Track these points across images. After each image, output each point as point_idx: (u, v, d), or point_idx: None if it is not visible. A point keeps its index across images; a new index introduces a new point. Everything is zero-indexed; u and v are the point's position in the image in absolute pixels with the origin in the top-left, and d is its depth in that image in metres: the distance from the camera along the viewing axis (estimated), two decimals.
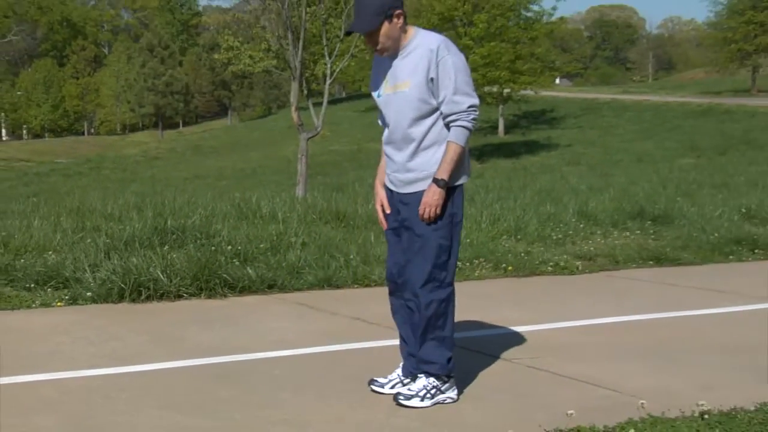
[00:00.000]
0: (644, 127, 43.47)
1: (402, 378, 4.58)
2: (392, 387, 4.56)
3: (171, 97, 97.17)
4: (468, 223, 9.83)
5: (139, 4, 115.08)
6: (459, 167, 4.36)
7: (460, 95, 4.27)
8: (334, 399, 4.48)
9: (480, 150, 40.66)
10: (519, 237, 9.63)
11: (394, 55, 4.40)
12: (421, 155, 4.35)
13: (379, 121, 4.62)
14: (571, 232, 9.98)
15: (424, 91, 4.29)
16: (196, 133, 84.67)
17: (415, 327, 4.53)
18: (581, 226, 10.35)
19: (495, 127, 48.86)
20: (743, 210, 11.57)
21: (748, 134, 36.13)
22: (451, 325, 4.46)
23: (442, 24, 37.07)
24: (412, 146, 4.36)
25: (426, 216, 4.30)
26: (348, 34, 4.58)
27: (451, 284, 4.44)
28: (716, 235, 9.93)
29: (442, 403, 4.36)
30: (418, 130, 4.34)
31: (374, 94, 4.57)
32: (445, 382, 4.41)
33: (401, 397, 4.34)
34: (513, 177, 22.68)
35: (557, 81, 68.27)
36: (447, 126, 4.32)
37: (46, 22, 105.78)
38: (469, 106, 4.29)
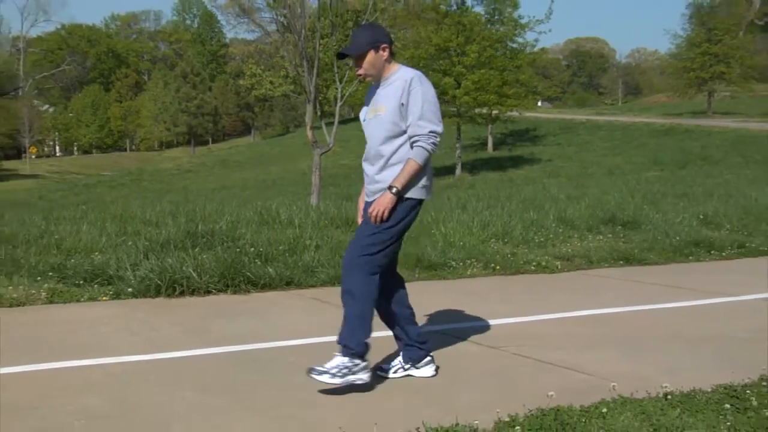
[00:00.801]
0: (615, 144, 43.40)
1: (403, 365, 4.58)
2: (395, 372, 4.57)
3: (202, 117, 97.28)
4: (460, 228, 9.82)
5: (175, 37, 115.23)
6: (415, 182, 4.37)
7: (424, 121, 4.31)
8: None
9: (471, 164, 40.62)
10: (506, 240, 9.62)
11: (377, 84, 4.49)
12: (388, 170, 4.38)
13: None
14: (551, 235, 9.96)
15: (396, 114, 4.33)
16: (224, 149, 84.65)
17: (402, 322, 4.59)
18: (560, 230, 10.33)
19: (485, 144, 48.82)
20: (701, 216, 11.55)
21: (705, 151, 36.06)
22: (369, 310, 4.35)
23: (438, 53, 37.02)
24: (382, 161, 4.39)
25: (374, 215, 4.30)
26: (341, 56, 4.55)
27: (375, 275, 4.32)
28: (678, 238, 9.92)
29: (353, 383, 4.26)
30: (387, 148, 4.37)
31: (361, 120, 4.62)
32: (357, 364, 4.29)
33: (314, 372, 4.25)
34: (500, 188, 22.65)
35: (539, 104, 68.22)
36: (412, 146, 4.35)
37: (94, 53, 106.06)
38: (430, 131, 4.32)
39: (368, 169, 4.50)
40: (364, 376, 4.31)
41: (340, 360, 4.28)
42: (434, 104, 4.37)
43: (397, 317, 4.60)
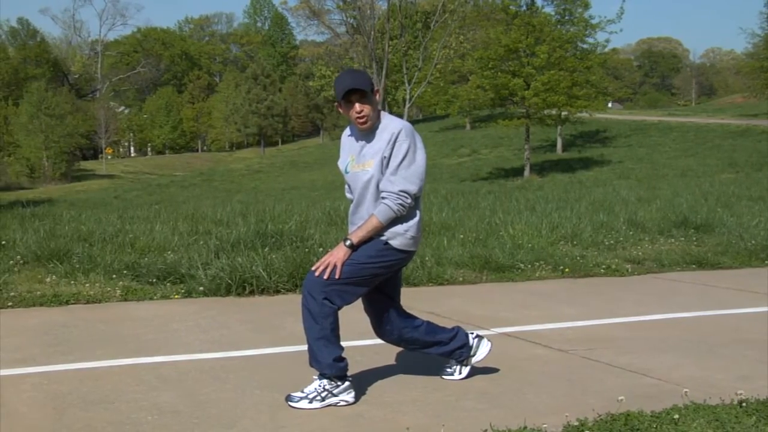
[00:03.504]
0: (687, 145, 42.58)
1: (461, 364, 4.55)
2: (460, 373, 4.55)
3: (272, 119, 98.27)
4: (529, 230, 9.75)
5: (246, 40, 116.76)
6: (379, 233, 4.08)
7: (397, 177, 4.02)
8: (410, 382, 4.47)
9: (540, 165, 40.25)
10: (575, 242, 9.51)
11: (365, 134, 4.16)
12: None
13: (347, 194, 4.40)
14: (621, 238, 9.82)
15: (380, 171, 4.06)
16: (293, 150, 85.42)
17: (426, 338, 4.45)
18: (631, 233, 10.17)
19: (554, 146, 48.37)
20: None
21: None
22: (329, 329, 4.06)
23: (507, 54, 36.79)
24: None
25: (322, 264, 4.03)
26: (348, 92, 4.11)
27: (330, 303, 4.03)
28: (753, 242, 9.68)
29: (335, 405, 4.05)
30: (373, 210, 4.10)
31: (342, 170, 4.34)
32: (338, 386, 4.07)
33: (291, 401, 4.05)
34: (570, 189, 22.36)
35: (609, 105, 67.27)
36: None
37: (168, 55, 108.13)
38: (401, 190, 4.02)
39: (357, 221, 4.20)
40: (348, 398, 4.10)
41: (318, 383, 4.08)
42: (416, 162, 4.06)
43: (424, 339, 4.44)
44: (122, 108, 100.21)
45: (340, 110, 4.21)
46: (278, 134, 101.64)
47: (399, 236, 4.12)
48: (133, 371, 4.66)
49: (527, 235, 9.45)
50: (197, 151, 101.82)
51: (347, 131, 4.35)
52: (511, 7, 38.28)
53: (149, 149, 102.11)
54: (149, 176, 67.76)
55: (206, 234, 8.89)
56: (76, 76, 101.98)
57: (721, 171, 31.49)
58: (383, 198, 4.06)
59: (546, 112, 37.98)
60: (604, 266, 8.50)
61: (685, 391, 4.03)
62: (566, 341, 5.49)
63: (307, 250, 7.87)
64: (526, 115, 37.91)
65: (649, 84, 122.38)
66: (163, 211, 12.29)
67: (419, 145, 4.13)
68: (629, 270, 8.52)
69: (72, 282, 6.99)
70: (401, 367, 4.80)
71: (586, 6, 39.31)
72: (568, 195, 17.45)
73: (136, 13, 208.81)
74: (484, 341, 4.60)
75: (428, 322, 4.51)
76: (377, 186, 4.09)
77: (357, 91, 4.06)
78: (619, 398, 3.88)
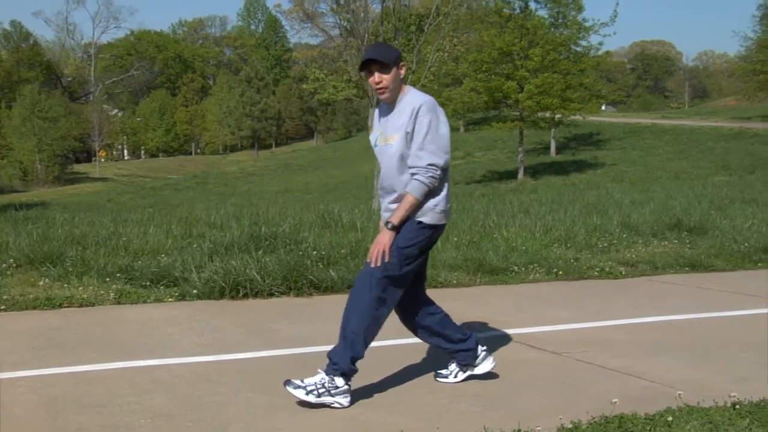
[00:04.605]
0: (681, 148, 42.69)
1: (461, 369, 4.55)
2: (455, 377, 4.55)
3: (265, 122, 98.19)
4: (523, 233, 9.76)
5: (239, 42, 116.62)
6: (415, 210, 4.18)
7: (424, 152, 4.12)
8: (404, 385, 4.48)
9: (534, 168, 40.32)
10: (569, 245, 9.52)
11: (387, 107, 4.34)
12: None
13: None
14: (615, 241, 9.83)
15: (404, 145, 4.18)
16: (287, 153, 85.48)
17: (440, 329, 4.50)
18: (624, 235, 10.18)
19: (547, 148, 48.46)
20: None
21: None
22: (368, 331, 4.16)
23: (501, 57, 36.85)
24: (395, 194, 4.27)
25: (373, 256, 4.17)
26: (366, 63, 4.22)
27: (381, 299, 4.17)
28: (746, 244, 9.70)
29: (329, 405, 4.08)
30: (402, 179, 4.22)
31: (372, 144, 4.49)
32: (337, 387, 4.09)
33: (290, 385, 4.09)
34: (563, 192, 22.40)
35: (603, 107, 67.27)
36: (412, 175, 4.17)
37: (161, 58, 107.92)
38: (429, 164, 4.12)
39: (383, 196, 4.37)
40: (343, 401, 4.12)
41: (320, 377, 4.11)
42: (440, 135, 4.17)
43: (435, 328, 4.49)
44: (116, 111, 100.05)
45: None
46: (272, 137, 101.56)
47: (429, 212, 4.23)
48: (127, 374, 4.66)
49: (521, 238, 9.46)
50: (191, 154, 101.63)
51: (378, 109, 4.51)
52: (504, 10, 38.39)
53: (143, 152, 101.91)
54: (143, 179, 67.69)
55: (200, 237, 8.87)
56: (70, 79, 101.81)
57: (714, 173, 31.57)
58: (414, 174, 4.15)
59: (540, 114, 38.06)
60: (597, 269, 8.51)
61: (679, 394, 4.04)
62: (560, 344, 5.49)
63: (300, 253, 7.86)
64: (520, 117, 37.96)
65: (643, 87, 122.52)
66: (157, 214, 12.26)
67: (442, 118, 4.23)
68: (623, 272, 8.53)
69: (65, 285, 6.97)
70: (395, 369, 4.80)
71: (580, 9, 39.46)
72: (562, 197, 17.47)
73: (130, 16, 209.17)
74: (490, 358, 4.60)
75: (445, 315, 4.56)
76: (400, 159, 4.21)
77: (375, 62, 4.21)
78: (613, 401, 3.89)
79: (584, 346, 5.42)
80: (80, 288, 6.87)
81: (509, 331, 5.86)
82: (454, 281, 7.84)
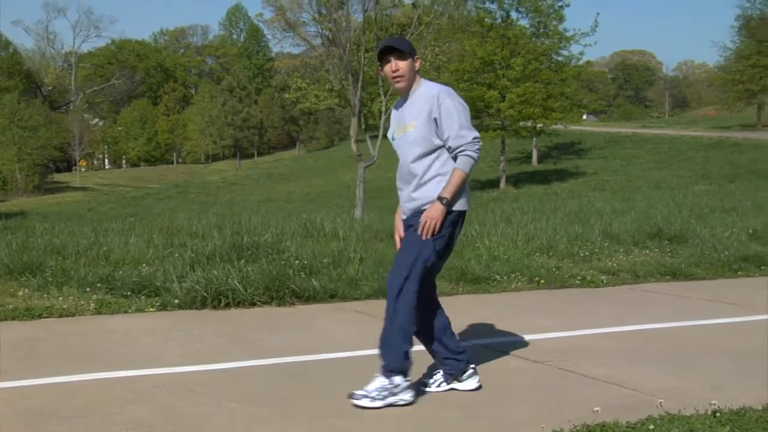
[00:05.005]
0: (661, 157, 42.96)
1: (445, 379, 4.56)
2: (438, 386, 4.55)
3: (247, 131, 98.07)
4: (505, 242, 9.78)
5: (221, 51, 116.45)
6: (461, 193, 4.34)
7: (465, 130, 4.29)
8: None
9: (516, 177, 40.46)
10: (551, 254, 9.55)
11: (402, 101, 4.50)
12: (424, 186, 4.36)
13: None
14: (596, 249, 9.87)
15: (426, 129, 4.31)
16: (269, 162, 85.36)
17: (439, 334, 4.53)
18: (606, 244, 10.22)
19: (529, 157, 48.64)
20: (750, 231, 11.35)
21: (754, 164, 35.53)
22: (409, 325, 4.29)
23: (483, 67, 37.02)
24: (416, 180, 4.37)
25: (426, 227, 4.25)
26: (385, 52, 4.36)
27: (416, 291, 4.26)
28: (726, 253, 9.76)
29: (396, 405, 4.19)
30: (420, 166, 4.35)
31: (390, 139, 4.62)
32: (398, 385, 4.22)
33: (355, 397, 4.20)
34: (545, 201, 22.51)
35: (584, 117, 67.63)
36: (454, 158, 4.33)
37: (143, 67, 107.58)
38: (474, 138, 4.31)
39: (403, 187, 4.49)
40: (406, 397, 4.26)
41: (380, 382, 4.23)
42: (467, 112, 4.36)
43: (435, 330, 4.54)
44: (96, 120, 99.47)
45: (382, 74, 4.51)
46: (254, 146, 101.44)
47: (460, 199, 4.36)
48: (107, 385, 4.63)
49: (503, 247, 9.48)
50: (172, 163, 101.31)
51: (394, 107, 4.63)
52: (486, 19, 38.56)
53: (124, 161, 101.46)
54: (124, 188, 67.38)
55: (181, 246, 8.84)
56: (50, 88, 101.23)
57: (695, 183, 31.82)
58: (461, 151, 4.29)
59: (521, 124, 38.23)
60: (579, 277, 8.54)
61: (660, 402, 4.05)
62: (542, 352, 5.51)
63: (283, 262, 7.85)
64: (502, 126, 38.09)
65: (623, 96, 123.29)
66: (138, 223, 12.21)
67: (462, 101, 4.40)
68: (604, 281, 8.56)
69: (45, 295, 6.92)
70: None
71: (561, 19, 39.67)
72: (544, 206, 17.53)
73: (111, 25, 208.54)
74: (476, 378, 4.60)
75: (449, 323, 4.59)
76: (420, 145, 4.33)
77: (394, 51, 4.36)
78: (595, 409, 3.90)
79: (566, 354, 5.44)
80: (60, 298, 6.82)
81: (491, 340, 5.87)
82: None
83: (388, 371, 4.23)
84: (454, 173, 4.29)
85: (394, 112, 4.61)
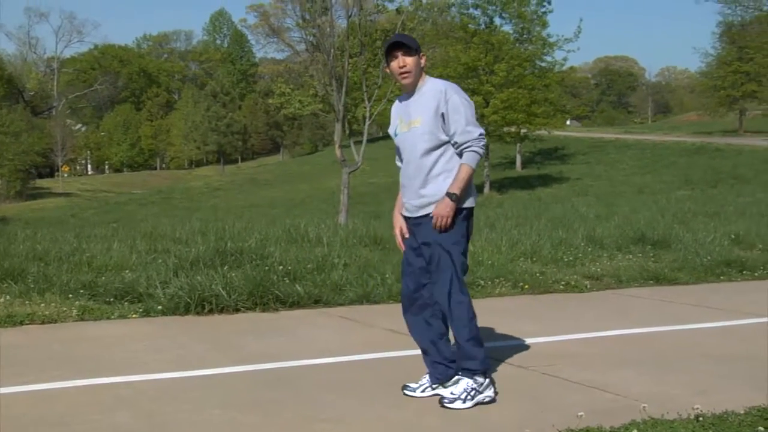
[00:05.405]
0: (644, 162, 43.18)
1: (431, 384, 4.56)
2: (423, 391, 4.54)
3: (231, 136, 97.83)
4: (489, 247, 9.80)
5: (205, 57, 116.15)
6: (468, 190, 4.40)
7: (471, 126, 4.36)
8: (371, 401, 4.46)
9: (500, 183, 40.55)
10: (534, 259, 9.58)
11: (406, 96, 4.53)
12: (431, 183, 4.40)
13: (397, 161, 4.68)
14: (580, 255, 9.91)
15: (433, 125, 4.36)
16: (253, 167, 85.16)
17: (435, 337, 4.54)
18: (589, 249, 10.27)
19: (513, 163, 48.76)
20: (732, 236, 11.43)
21: (736, 169, 35.79)
22: (475, 327, 4.43)
23: (466, 73, 37.06)
24: (423, 175, 4.41)
25: (438, 225, 4.31)
26: (393, 48, 4.41)
27: (466, 293, 4.46)
28: (709, 258, 9.82)
29: (482, 402, 4.30)
30: (427, 161, 4.40)
31: (392, 135, 4.65)
32: (481, 383, 4.34)
33: (445, 401, 4.29)
34: (529, 206, 22.56)
35: (568, 122, 67.99)
36: (460, 154, 4.38)
37: (126, 72, 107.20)
38: (480, 134, 4.38)
39: (409, 183, 4.49)
40: (490, 393, 4.38)
41: (465, 383, 4.33)
42: (473, 109, 4.43)
43: (432, 334, 4.54)
44: (79, 125, 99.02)
45: (387, 71, 4.54)
46: (238, 152, 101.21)
47: (468, 196, 4.44)
48: (90, 392, 4.60)
49: (487, 252, 9.50)
50: (156, 168, 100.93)
51: (396, 102, 4.66)
52: (469, 25, 38.62)
53: (107, 167, 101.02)
54: (107, 194, 67.05)
55: (165, 252, 8.81)
56: (32, 93, 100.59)
57: (677, 188, 31.99)
58: (467, 147, 4.36)
59: (505, 129, 38.28)
60: (563, 282, 8.56)
61: (644, 406, 4.06)
62: (526, 357, 5.51)
63: (267, 268, 7.84)
64: (486, 132, 38.13)
65: (606, 102, 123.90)
66: (121, 229, 12.16)
67: (466, 96, 4.48)
68: (588, 286, 8.59)
69: (27, 302, 6.88)
70: (362, 384, 4.79)
71: (544, 25, 39.81)
72: (528, 212, 17.59)
73: (93, 30, 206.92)
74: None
75: (447, 329, 4.60)
76: (427, 140, 4.37)
77: (402, 47, 4.41)
78: (579, 414, 3.91)
79: (550, 359, 5.45)
80: (42, 305, 6.79)
81: None
82: None
83: (470, 372, 4.34)
84: (461, 169, 4.34)
85: (396, 107, 4.63)
